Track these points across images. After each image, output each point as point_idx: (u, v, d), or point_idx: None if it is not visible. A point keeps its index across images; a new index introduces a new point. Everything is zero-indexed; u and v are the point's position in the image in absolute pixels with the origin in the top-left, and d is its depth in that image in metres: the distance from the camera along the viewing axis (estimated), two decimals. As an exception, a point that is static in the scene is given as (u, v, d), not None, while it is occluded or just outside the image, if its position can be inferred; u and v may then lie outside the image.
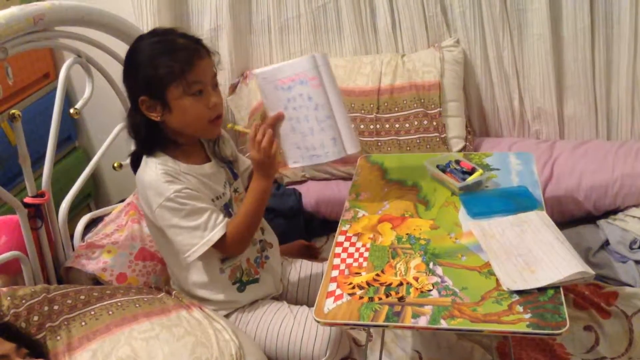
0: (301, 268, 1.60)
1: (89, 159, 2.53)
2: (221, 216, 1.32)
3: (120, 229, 1.64)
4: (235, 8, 2.10)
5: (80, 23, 1.47)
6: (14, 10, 1.25)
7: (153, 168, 1.30)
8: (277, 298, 1.51)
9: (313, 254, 1.81)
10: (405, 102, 1.96)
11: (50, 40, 1.42)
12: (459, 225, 1.37)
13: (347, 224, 1.42)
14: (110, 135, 1.72)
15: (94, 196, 2.56)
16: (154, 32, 1.34)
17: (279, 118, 1.36)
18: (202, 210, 1.29)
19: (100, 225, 1.69)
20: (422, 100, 1.95)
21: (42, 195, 1.44)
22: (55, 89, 2.29)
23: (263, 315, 1.41)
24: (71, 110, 1.53)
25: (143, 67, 1.27)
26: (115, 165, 1.72)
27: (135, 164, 1.37)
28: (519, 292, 1.13)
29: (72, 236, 1.66)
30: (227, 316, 1.42)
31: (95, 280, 1.53)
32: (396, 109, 1.96)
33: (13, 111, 1.32)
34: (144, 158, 1.33)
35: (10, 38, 1.24)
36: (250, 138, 1.31)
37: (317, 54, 1.32)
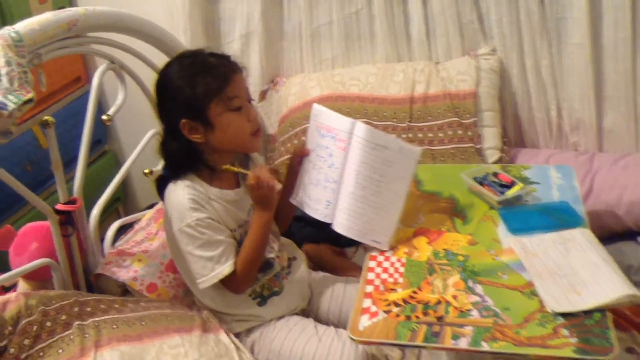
0: (330, 280, 1.55)
1: (118, 163, 2.55)
2: (233, 254, 1.31)
3: (151, 237, 1.62)
4: (267, 14, 2.08)
5: (113, 29, 1.46)
6: (48, 15, 1.24)
7: (181, 191, 1.30)
8: (305, 311, 1.48)
9: (338, 252, 1.80)
10: (439, 111, 1.92)
11: (83, 46, 1.41)
12: (498, 241, 1.32)
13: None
14: (141, 142, 1.71)
15: (123, 200, 2.56)
16: (183, 55, 1.34)
17: (305, 153, 1.39)
18: (218, 243, 1.29)
19: (130, 233, 1.68)
20: (457, 110, 1.91)
21: (73, 201, 1.42)
22: (86, 92, 2.32)
23: (288, 334, 1.37)
24: (103, 117, 1.52)
25: (180, 89, 1.27)
26: (146, 172, 1.71)
27: (162, 187, 1.36)
28: (564, 315, 1.08)
29: (101, 240, 1.65)
30: (250, 330, 1.39)
31: (125, 289, 1.51)
32: (430, 118, 1.92)
33: (46, 118, 1.31)
34: (175, 181, 1.32)
35: (44, 44, 1.23)
36: (248, 184, 1.30)
37: (360, 123, 1.31)
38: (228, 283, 1.32)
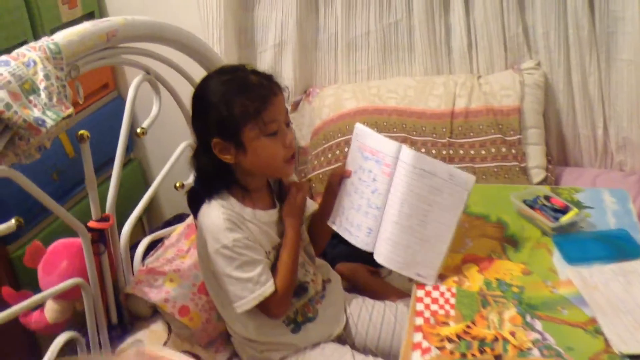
0: (368, 305, 1.48)
1: (143, 172, 2.50)
2: (271, 274, 1.26)
3: (182, 255, 1.56)
4: (302, 23, 2.02)
5: (152, 39, 1.40)
6: (87, 26, 1.18)
7: (216, 211, 1.24)
8: (341, 337, 1.41)
9: (373, 272, 1.72)
10: (481, 127, 1.84)
11: (120, 57, 1.35)
12: (554, 271, 1.25)
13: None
14: (174, 154, 1.64)
15: (148, 210, 2.50)
16: (223, 70, 1.28)
17: (345, 174, 1.32)
18: (257, 262, 1.23)
19: (160, 249, 1.62)
20: (500, 126, 1.83)
21: (106, 219, 1.36)
22: (114, 99, 2.29)
23: None
24: (138, 130, 1.46)
25: (215, 107, 1.21)
26: (177, 185, 1.65)
27: (194, 201, 1.31)
28: (632, 357, 1.00)
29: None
30: (283, 359, 1.33)
31: (155, 310, 1.45)
32: (471, 134, 1.84)
33: (82, 132, 1.26)
34: (209, 199, 1.27)
35: (82, 55, 1.18)
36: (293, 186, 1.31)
37: (407, 148, 1.23)
38: (268, 305, 1.25)
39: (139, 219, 2.47)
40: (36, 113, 1.00)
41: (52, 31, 1.95)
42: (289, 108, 2.10)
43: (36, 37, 1.87)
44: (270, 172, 1.31)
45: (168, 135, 1.78)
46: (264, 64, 2.10)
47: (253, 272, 1.22)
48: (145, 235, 2.50)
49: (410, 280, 1.27)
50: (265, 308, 1.26)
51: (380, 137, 1.27)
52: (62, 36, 1.13)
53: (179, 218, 2.12)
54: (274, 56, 2.08)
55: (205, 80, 1.28)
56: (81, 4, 2.08)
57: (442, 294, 1.22)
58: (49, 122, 1.02)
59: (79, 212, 1.38)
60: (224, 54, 1.98)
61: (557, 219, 1.36)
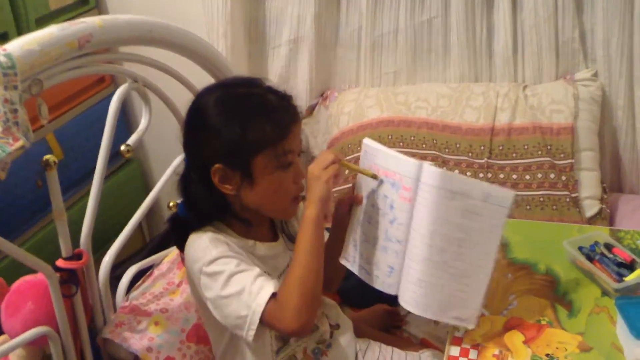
0: (385, 354, 1.26)
1: (143, 174, 2.30)
2: (272, 279, 1.01)
3: (172, 290, 1.36)
4: (321, 18, 1.79)
5: (139, 42, 1.17)
6: (53, 30, 0.96)
7: (201, 234, 1.05)
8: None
9: (396, 323, 1.50)
10: (526, 147, 1.59)
11: (99, 65, 1.12)
12: (619, 348, 1.01)
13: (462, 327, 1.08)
14: (167, 170, 1.43)
15: (147, 214, 2.29)
16: (234, 84, 1.10)
17: (356, 201, 1.11)
18: (247, 270, 1.00)
19: (148, 280, 1.41)
20: (549, 147, 1.58)
21: (79, 256, 1.15)
22: (110, 95, 2.07)
23: None
24: (122, 148, 1.24)
25: (226, 128, 1.01)
26: (171, 204, 1.44)
27: (179, 231, 1.10)
28: None
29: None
30: None
31: (137, 356, 1.25)
32: (514, 155, 1.60)
33: (47, 157, 1.03)
34: (198, 229, 1.07)
35: (46, 67, 0.95)
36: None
37: (428, 166, 0.99)
38: (273, 315, 0.97)
39: (139, 227, 2.28)
40: (-29, 148, 0.78)
41: (38, 21, 1.76)
42: (304, 113, 1.89)
43: (19, 29, 1.66)
44: (272, 211, 1.11)
45: (174, 136, 1.57)
46: (276, 62, 1.88)
47: (245, 282, 0.99)
48: (145, 242, 2.33)
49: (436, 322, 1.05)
50: (273, 320, 0.98)
51: (394, 154, 1.05)
52: (18, 45, 0.91)
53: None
54: (288, 53, 1.86)
55: (208, 93, 1.07)
56: (73, -11, 1.86)
57: (480, 370, 0.99)
58: (-10, 159, 0.80)
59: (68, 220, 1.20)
60: (230, 51, 1.76)
61: (621, 275, 1.12)
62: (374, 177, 1.06)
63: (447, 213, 0.99)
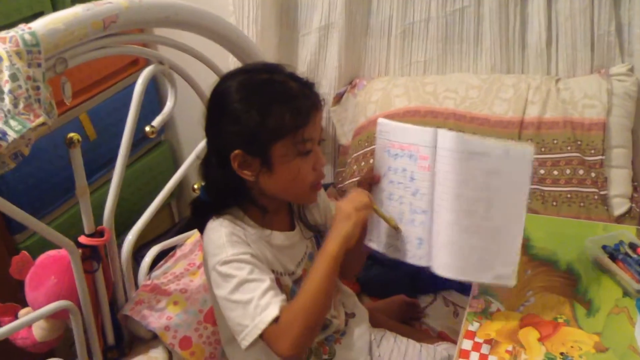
0: (400, 345, 1.25)
1: (174, 156, 2.32)
2: (280, 295, 1.00)
3: (192, 271, 1.38)
4: (352, 5, 1.76)
5: (165, 24, 1.19)
6: (77, 10, 0.97)
7: (219, 225, 1.05)
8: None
9: (415, 315, 1.50)
10: (556, 142, 1.55)
11: (125, 46, 1.14)
12: (636, 350, 0.98)
13: (476, 320, 1.06)
14: (191, 154, 1.44)
15: (176, 195, 2.32)
16: (256, 69, 1.08)
17: (374, 180, 1.13)
18: (259, 281, 0.99)
19: (170, 260, 1.44)
20: (579, 143, 1.53)
21: (101, 233, 1.18)
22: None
23: None
24: (147, 129, 1.26)
25: (245, 114, 1.00)
26: (196, 187, 1.46)
27: (200, 214, 1.11)
28: None
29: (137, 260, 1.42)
30: None
31: (155, 337, 1.27)
32: (543, 149, 1.55)
33: (71, 135, 1.06)
34: (217, 215, 1.07)
35: (70, 46, 0.97)
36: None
37: (444, 131, 1.00)
38: (271, 336, 0.98)
39: (168, 206, 2.31)
40: (-5, 123, 0.81)
41: (74, 1, 1.79)
42: (331, 101, 1.88)
43: (55, 10, 1.69)
44: (292, 197, 1.11)
45: (201, 115, 1.58)
46: (306, 48, 1.86)
47: (254, 292, 0.98)
48: (174, 223, 2.36)
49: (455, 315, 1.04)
50: (270, 341, 0.99)
51: (409, 127, 1.07)
52: (42, 23, 0.93)
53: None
54: (319, 40, 1.84)
55: (230, 78, 1.06)
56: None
57: (490, 366, 0.98)
58: (11, 135, 0.82)
59: (96, 200, 1.21)
60: (260, 37, 1.75)
61: (644, 276, 1.09)
62: (396, 228, 1.08)
63: (468, 175, 1.00)
